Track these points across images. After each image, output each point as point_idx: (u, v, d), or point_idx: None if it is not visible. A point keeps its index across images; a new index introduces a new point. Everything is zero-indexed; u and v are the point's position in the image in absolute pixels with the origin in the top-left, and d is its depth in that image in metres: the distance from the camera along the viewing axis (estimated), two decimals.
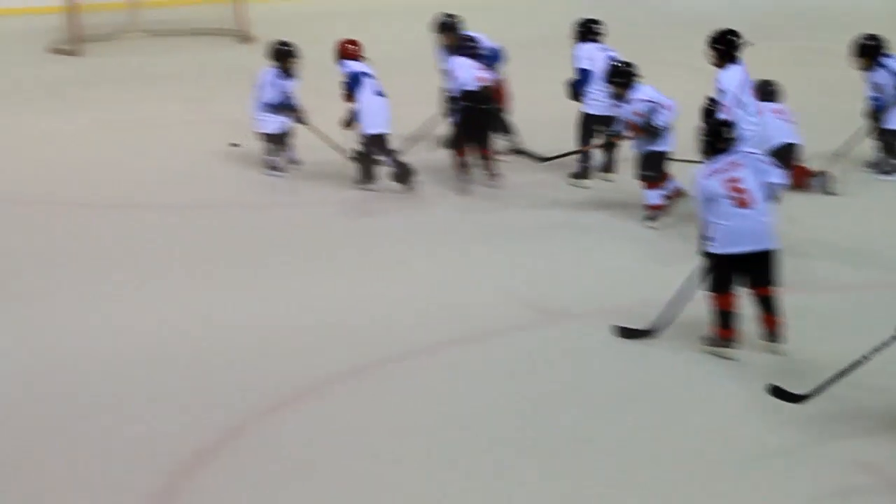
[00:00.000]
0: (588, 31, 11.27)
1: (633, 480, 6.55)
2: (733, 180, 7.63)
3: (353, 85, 10.81)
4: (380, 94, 10.85)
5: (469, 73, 10.93)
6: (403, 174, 10.90)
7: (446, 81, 11.13)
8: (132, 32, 17.76)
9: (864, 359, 6.90)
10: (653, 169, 9.99)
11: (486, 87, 10.97)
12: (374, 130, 10.81)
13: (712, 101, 9.55)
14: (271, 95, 11.18)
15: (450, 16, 11.62)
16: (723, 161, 7.73)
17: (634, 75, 10.07)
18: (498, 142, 11.39)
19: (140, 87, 15.05)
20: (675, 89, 10.43)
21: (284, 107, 11.19)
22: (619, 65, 10.24)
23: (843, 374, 6.95)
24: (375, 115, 10.79)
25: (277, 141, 11.35)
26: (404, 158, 11.02)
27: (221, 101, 13.90)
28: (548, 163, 11.05)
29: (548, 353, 7.99)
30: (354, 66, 10.90)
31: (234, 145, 12.18)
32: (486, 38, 11.51)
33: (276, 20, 17.48)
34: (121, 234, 10.24)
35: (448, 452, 6.85)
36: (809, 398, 6.96)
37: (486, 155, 11.11)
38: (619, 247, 9.73)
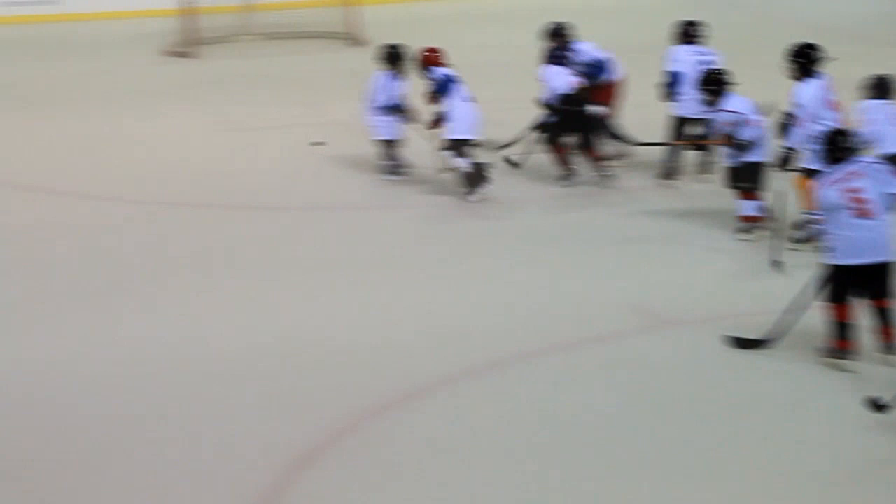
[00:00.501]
0: (685, 33, 11.24)
1: (744, 491, 6.48)
2: (853, 190, 7.50)
3: (442, 89, 10.85)
4: (468, 99, 10.86)
5: (561, 80, 11.03)
6: (477, 179, 10.86)
7: (541, 89, 11.18)
8: (246, 35, 17.96)
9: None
10: (748, 180, 9.84)
11: (582, 90, 11.05)
12: (461, 135, 10.81)
13: (788, 115, 9.44)
14: (383, 99, 11.22)
15: (558, 24, 11.61)
16: (842, 171, 7.60)
17: (726, 83, 9.91)
18: (606, 144, 11.38)
19: (253, 89, 15.20)
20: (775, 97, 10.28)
21: (396, 110, 11.23)
22: (712, 72, 10.13)
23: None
24: (464, 121, 10.80)
25: (392, 145, 11.39)
26: (483, 163, 10.96)
27: (332, 104, 13.99)
28: (641, 147, 11.19)
29: (657, 359, 7.93)
30: (442, 71, 10.93)
31: (318, 144, 12.25)
32: (594, 49, 11.52)
33: (387, 23, 17.56)
34: (233, 236, 10.35)
35: (553, 455, 6.84)
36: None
37: (594, 157, 11.12)
38: (712, 256, 9.62)
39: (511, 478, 6.67)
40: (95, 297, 9.06)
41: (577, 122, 11.06)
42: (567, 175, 11.19)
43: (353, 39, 17.60)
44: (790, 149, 9.57)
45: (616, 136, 11.56)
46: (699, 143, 10.73)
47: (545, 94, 11.11)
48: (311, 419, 7.24)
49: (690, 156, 11.10)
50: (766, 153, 9.76)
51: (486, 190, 10.86)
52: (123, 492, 6.63)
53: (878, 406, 6.95)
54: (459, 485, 6.61)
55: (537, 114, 11.23)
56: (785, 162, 9.60)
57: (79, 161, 12.44)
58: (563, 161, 11.19)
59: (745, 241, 9.74)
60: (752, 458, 6.76)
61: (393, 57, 11.35)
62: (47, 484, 6.69)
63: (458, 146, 10.83)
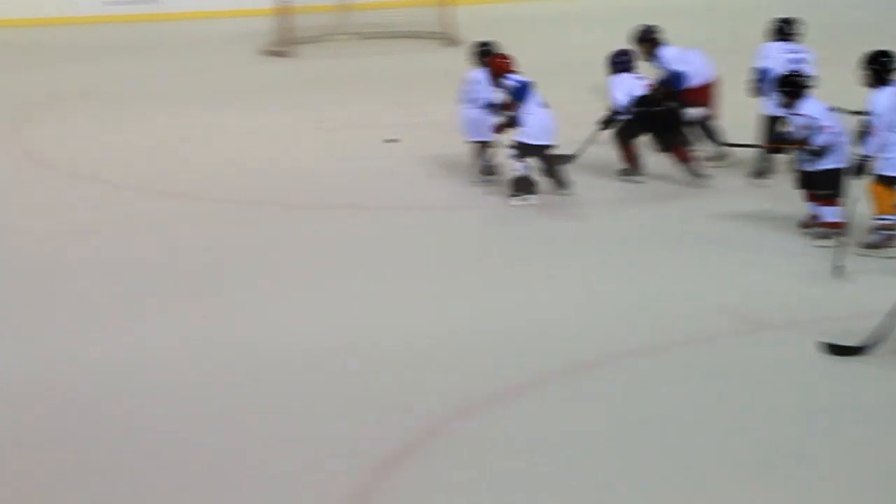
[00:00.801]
0: (779, 30, 11.13)
1: (839, 499, 6.39)
2: None
3: (518, 95, 10.72)
4: (542, 105, 10.76)
5: (629, 86, 11.06)
6: (526, 185, 10.77)
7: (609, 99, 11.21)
8: (341, 35, 18.07)
9: None
10: (827, 186, 9.65)
11: (655, 89, 11.10)
12: (533, 141, 10.72)
13: (864, 122, 9.30)
14: (483, 98, 11.18)
15: (648, 27, 11.55)
16: None
17: (803, 86, 9.72)
18: (704, 145, 11.31)
19: (347, 88, 15.25)
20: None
21: (493, 108, 11.18)
22: (789, 74, 9.98)
23: None
24: (537, 127, 10.71)
25: (485, 147, 11.37)
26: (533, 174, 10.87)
27: (426, 104, 14.00)
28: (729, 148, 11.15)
29: (750, 363, 7.83)
30: (516, 77, 10.80)
31: (391, 141, 12.31)
32: (676, 55, 11.45)
33: (481, 23, 17.55)
34: (322, 235, 10.40)
35: (642, 460, 6.77)
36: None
37: (681, 157, 11.07)
38: (794, 259, 9.44)
39: (599, 482, 6.62)
40: (183, 296, 9.12)
41: (652, 122, 11.04)
42: (630, 172, 11.19)
43: (447, 39, 17.62)
44: (865, 156, 9.39)
45: (712, 137, 11.48)
46: (776, 147, 10.55)
47: (612, 104, 11.13)
48: (397, 421, 7.22)
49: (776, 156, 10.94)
50: (842, 159, 9.54)
51: (531, 199, 10.77)
52: (209, 490, 6.67)
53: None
54: (546, 488, 6.55)
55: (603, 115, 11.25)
56: (860, 170, 9.42)
57: (174, 159, 12.57)
58: (630, 158, 11.19)
59: (824, 247, 9.50)
60: (854, 466, 6.64)
61: (484, 55, 11.34)
62: (137, 481, 6.74)
63: (525, 151, 10.76)
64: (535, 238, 10.20)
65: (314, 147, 12.84)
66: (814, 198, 9.69)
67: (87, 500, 6.62)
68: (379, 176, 11.79)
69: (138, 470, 6.81)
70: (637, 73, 11.24)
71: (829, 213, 9.65)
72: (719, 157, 11.42)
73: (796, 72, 10.05)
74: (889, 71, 9.42)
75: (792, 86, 9.75)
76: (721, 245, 9.81)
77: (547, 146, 10.80)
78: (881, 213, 9.46)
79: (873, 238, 9.37)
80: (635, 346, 8.05)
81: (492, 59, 10.99)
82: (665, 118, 11.06)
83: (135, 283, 9.40)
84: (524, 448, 6.94)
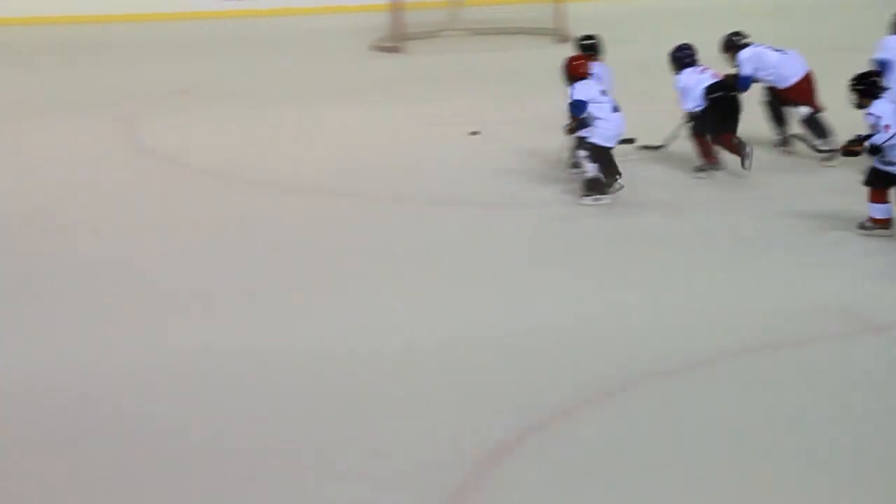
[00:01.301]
0: None
1: None
2: None
3: (575, 111, 10.63)
4: (614, 108, 10.70)
5: (694, 80, 11.09)
6: (598, 186, 10.72)
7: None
8: (453, 31, 18.08)
9: None
10: (877, 183, 9.55)
11: (726, 76, 11.19)
12: (602, 142, 10.68)
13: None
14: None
15: (730, 35, 11.54)
16: None
17: (878, 86, 9.60)
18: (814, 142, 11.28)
19: (458, 84, 15.28)
20: None
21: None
22: (866, 72, 9.86)
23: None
24: (607, 129, 10.65)
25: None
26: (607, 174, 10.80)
27: (536, 100, 13.94)
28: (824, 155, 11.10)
29: (862, 366, 7.70)
30: (579, 92, 10.64)
31: (474, 133, 12.30)
32: (792, 54, 11.48)
33: (593, 20, 17.39)
34: (427, 231, 10.46)
35: (736, 463, 6.71)
36: None
37: (729, 144, 11.12)
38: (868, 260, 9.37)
39: (703, 484, 6.56)
40: (296, 289, 9.20)
41: (725, 109, 11.11)
42: (707, 167, 11.19)
43: (559, 36, 17.54)
44: None
45: (822, 133, 11.29)
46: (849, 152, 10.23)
47: (684, 104, 11.15)
48: (501, 416, 7.23)
49: None
50: None
51: (603, 199, 10.69)
52: (315, 479, 6.72)
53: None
54: (650, 488, 6.52)
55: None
56: None
57: (285, 154, 12.65)
58: (707, 153, 11.20)
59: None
60: None
61: (587, 48, 11.29)
62: (256, 466, 6.82)
63: (595, 151, 10.71)
64: (626, 237, 10.12)
65: (421, 143, 12.84)
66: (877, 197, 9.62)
67: (207, 486, 6.70)
68: (485, 172, 11.75)
69: (247, 460, 6.89)
70: (700, 66, 11.21)
71: (878, 211, 9.62)
72: (829, 155, 11.21)
73: (873, 70, 9.94)
74: None
75: (863, 83, 9.65)
76: (805, 242, 9.72)
77: (609, 148, 10.78)
78: None
79: None
80: (740, 347, 7.96)
81: (567, 61, 10.89)
82: (731, 107, 11.10)
83: (246, 277, 9.47)
84: (624, 448, 6.90)
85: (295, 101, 14.81)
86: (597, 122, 10.65)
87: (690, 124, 11.21)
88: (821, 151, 11.27)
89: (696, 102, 11.07)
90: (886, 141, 9.32)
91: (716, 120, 11.12)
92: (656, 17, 18.28)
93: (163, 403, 7.53)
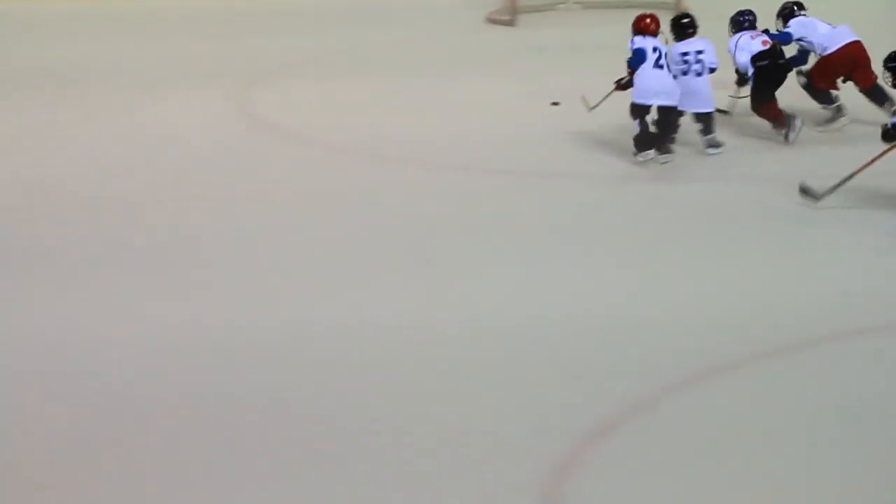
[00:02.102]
0: None
1: None
2: None
3: (634, 60, 11.02)
4: (660, 66, 10.98)
5: (747, 45, 11.36)
6: (646, 142, 11.02)
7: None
8: (567, 4, 17.94)
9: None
10: None
11: (773, 45, 11.42)
12: (642, 101, 10.99)
13: None
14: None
15: (795, 3, 11.68)
16: None
17: None
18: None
19: (570, 58, 15.20)
20: None
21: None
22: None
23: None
24: (648, 87, 10.96)
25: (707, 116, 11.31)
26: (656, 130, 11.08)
27: None
28: None
29: None
30: (642, 38, 11.04)
31: (555, 104, 12.33)
32: (844, 28, 11.53)
33: None
34: (531, 205, 10.39)
35: (858, 448, 6.59)
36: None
37: (774, 112, 11.36)
38: None
39: (809, 467, 6.49)
40: (409, 265, 9.21)
41: (770, 78, 11.34)
42: (780, 126, 11.31)
43: (676, 10, 17.31)
44: None
45: (880, 101, 11.31)
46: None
47: (737, 66, 11.47)
48: (605, 393, 7.18)
49: None
50: None
51: (651, 154, 10.94)
52: (415, 451, 6.73)
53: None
54: (757, 469, 6.45)
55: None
56: None
57: (396, 127, 12.65)
58: (773, 115, 11.32)
59: None
60: None
61: (682, 27, 11.33)
62: (364, 443, 6.83)
63: (638, 110, 10.97)
64: (717, 216, 10.02)
65: (531, 117, 12.77)
66: None
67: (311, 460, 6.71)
68: (590, 146, 11.66)
69: (356, 437, 6.90)
70: (755, 31, 11.51)
71: None
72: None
73: None
74: None
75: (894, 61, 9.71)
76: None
77: (662, 106, 11.01)
78: None
79: None
80: (856, 327, 7.86)
81: (637, 18, 11.23)
82: (780, 73, 11.35)
83: (347, 252, 9.48)
84: (729, 427, 6.83)
85: (408, 73, 14.80)
86: (636, 81, 10.95)
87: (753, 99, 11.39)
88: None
89: (746, 62, 11.31)
90: None
91: (761, 89, 11.32)
92: None
93: (274, 377, 7.54)
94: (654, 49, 11.01)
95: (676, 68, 11.25)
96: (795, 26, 11.55)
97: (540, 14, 17.51)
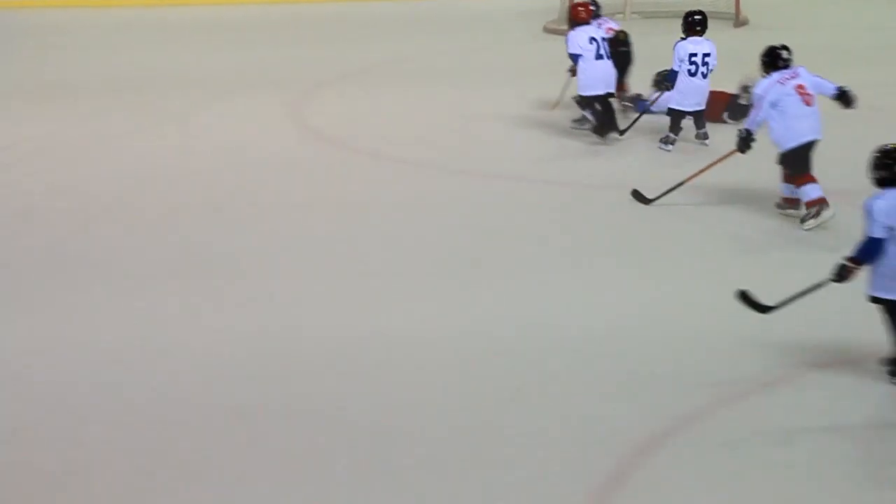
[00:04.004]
0: None
1: None
2: None
3: (574, 61, 11.77)
4: (603, 57, 11.71)
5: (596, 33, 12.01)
6: (604, 128, 11.83)
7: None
8: (624, 14, 17.90)
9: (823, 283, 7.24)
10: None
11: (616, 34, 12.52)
12: (588, 92, 11.77)
13: None
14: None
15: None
16: None
17: None
18: None
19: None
20: None
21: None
22: None
23: (805, 293, 7.36)
24: (593, 78, 11.67)
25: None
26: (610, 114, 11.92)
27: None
28: None
29: None
30: (583, 28, 11.75)
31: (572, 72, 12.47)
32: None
33: (768, 4, 17.19)
34: (592, 216, 10.33)
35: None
36: (774, 309, 7.44)
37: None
38: None
39: (853, 476, 6.45)
40: (461, 271, 9.19)
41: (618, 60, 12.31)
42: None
43: (737, 20, 17.25)
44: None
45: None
46: None
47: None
48: (658, 404, 7.14)
49: None
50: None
51: (615, 136, 11.75)
52: (472, 465, 6.68)
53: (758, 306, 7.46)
54: (807, 481, 6.38)
55: None
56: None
57: (452, 136, 12.69)
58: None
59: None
60: None
61: (693, 24, 11.76)
62: (422, 450, 6.82)
63: (586, 101, 11.77)
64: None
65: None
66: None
67: (366, 468, 6.69)
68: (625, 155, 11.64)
69: (411, 446, 6.86)
70: (601, 18, 12.66)
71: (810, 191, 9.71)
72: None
73: None
74: None
75: None
76: None
77: (605, 95, 11.79)
78: None
79: None
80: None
81: (572, 7, 12.00)
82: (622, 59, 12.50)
83: (411, 258, 9.49)
84: (782, 439, 6.77)
85: (464, 83, 14.81)
86: (579, 73, 11.65)
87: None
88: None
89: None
90: None
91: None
92: (826, 3, 17.86)
93: (325, 385, 7.53)
94: (592, 40, 11.67)
95: (685, 68, 11.57)
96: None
97: None
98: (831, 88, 9.80)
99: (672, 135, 11.87)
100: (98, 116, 13.75)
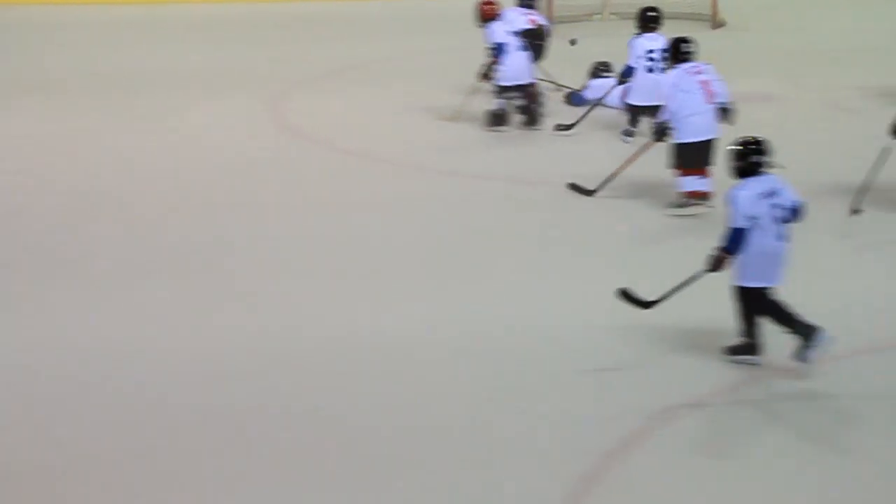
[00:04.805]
0: None
1: None
2: None
3: (498, 52, 12.16)
4: (518, 49, 12.20)
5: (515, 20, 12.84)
6: (500, 120, 12.41)
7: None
8: (602, 14, 17.98)
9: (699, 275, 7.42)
10: None
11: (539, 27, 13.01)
12: (507, 83, 12.24)
13: None
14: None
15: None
16: None
17: None
18: None
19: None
20: None
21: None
22: None
23: (683, 286, 7.53)
24: (512, 69, 12.18)
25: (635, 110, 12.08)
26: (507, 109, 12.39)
27: None
28: None
29: None
30: (496, 24, 12.30)
31: (573, 42, 13.29)
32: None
33: (746, 5, 17.31)
34: (562, 217, 10.42)
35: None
36: (656, 304, 7.62)
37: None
38: None
39: (827, 480, 6.52)
40: (436, 271, 9.28)
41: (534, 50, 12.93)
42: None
43: (714, 22, 17.37)
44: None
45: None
46: None
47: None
48: (633, 404, 7.24)
49: None
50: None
51: (505, 130, 12.24)
52: (440, 463, 6.78)
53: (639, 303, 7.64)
54: (778, 479, 6.48)
55: None
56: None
57: (426, 136, 12.76)
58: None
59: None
60: None
61: (648, 20, 12.05)
62: (397, 450, 6.90)
63: (504, 91, 12.26)
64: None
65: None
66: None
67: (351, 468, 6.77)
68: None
69: (387, 444, 6.96)
70: (524, 8, 13.32)
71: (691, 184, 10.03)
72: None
73: None
74: None
75: None
76: None
77: (523, 85, 12.29)
78: None
79: None
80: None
81: (481, 5, 12.47)
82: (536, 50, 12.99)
83: (391, 258, 9.56)
84: (753, 439, 6.89)
85: (442, 82, 14.79)
86: (501, 65, 12.10)
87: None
88: None
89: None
90: None
91: None
92: (804, 5, 17.99)
93: (302, 384, 7.61)
94: (508, 34, 12.24)
95: (644, 64, 11.76)
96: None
97: (575, 24, 17.53)
98: (722, 97, 10.07)
99: (631, 128, 12.09)
100: (82, 114, 13.78)
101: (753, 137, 7.61)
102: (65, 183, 11.48)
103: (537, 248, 9.65)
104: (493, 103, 12.52)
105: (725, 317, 7.67)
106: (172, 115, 13.72)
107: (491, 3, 12.57)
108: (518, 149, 12.17)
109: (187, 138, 12.91)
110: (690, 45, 10.15)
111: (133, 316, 8.54)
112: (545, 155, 11.99)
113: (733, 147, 7.62)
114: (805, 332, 7.35)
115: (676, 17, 17.75)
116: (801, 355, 7.37)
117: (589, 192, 10.50)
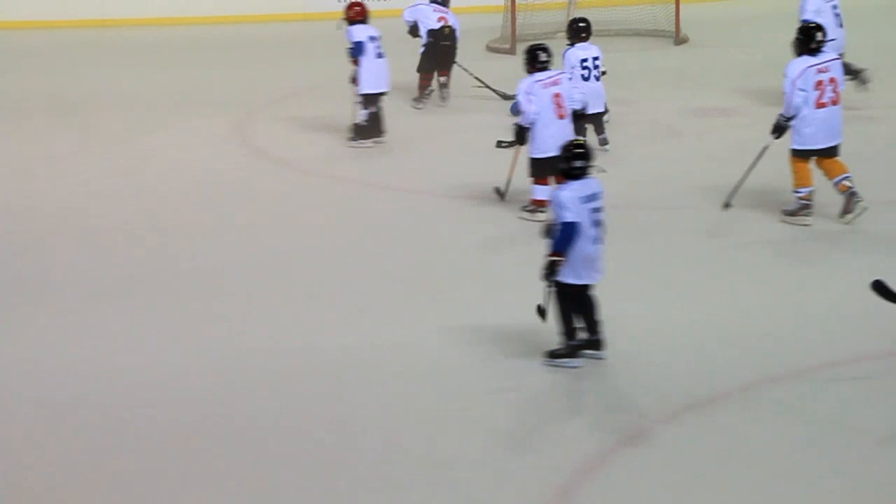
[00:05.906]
0: None
1: None
2: None
3: (357, 47, 12.27)
4: (380, 56, 12.30)
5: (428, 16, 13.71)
6: (369, 131, 12.46)
7: None
8: (563, 32, 17.99)
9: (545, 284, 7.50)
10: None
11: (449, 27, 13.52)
12: (368, 90, 12.30)
13: None
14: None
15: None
16: None
17: None
18: None
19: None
20: None
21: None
22: None
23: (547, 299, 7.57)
24: (373, 76, 12.26)
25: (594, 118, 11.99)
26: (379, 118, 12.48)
27: (649, 101, 13.88)
28: None
29: None
30: (360, 29, 12.36)
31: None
32: None
33: (708, 22, 17.38)
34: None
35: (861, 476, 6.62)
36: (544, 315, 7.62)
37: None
38: None
39: (803, 493, 6.50)
40: (397, 287, 9.31)
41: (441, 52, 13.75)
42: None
43: (677, 38, 17.42)
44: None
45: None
46: None
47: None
48: (603, 422, 7.25)
49: None
50: None
51: (365, 144, 12.36)
52: (410, 482, 6.77)
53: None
54: (755, 494, 6.47)
55: None
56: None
57: (391, 156, 12.72)
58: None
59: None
60: None
61: (576, 31, 12.22)
62: (373, 465, 6.91)
63: (366, 100, 12.27)
64: (752, 243, 10.01)
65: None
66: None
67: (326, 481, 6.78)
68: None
69: (360, 458, 6.96)
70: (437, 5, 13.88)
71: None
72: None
73: None
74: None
75: None
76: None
77: (381, 93, 12.40)
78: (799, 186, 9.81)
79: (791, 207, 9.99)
80: (858, 355, 7.88)
81: (348, 7, 12.58)
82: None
83: (359, 274, 9.58)
84: (729, 453, 6.88)
85: (407, 102, 14.82)
86: (361, 73, 12.19)
87: None
88: None
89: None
90: None
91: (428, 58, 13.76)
92: (768, 20, 18.06)
93: (271, 402, 7.63)
94: (372, 38, 12.35)
95: (579, 73, 11.80)
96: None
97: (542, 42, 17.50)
98: (575, 103, 10.39)
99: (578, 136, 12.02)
100: (42, 137, 13.69)
101: (578, 141, 7.86)
102: (28, 206, 11.39)
103: (487, 266, 9.70)
104: (359, 115, 12.54)
105: (711, 319, 7.75)
106: (137, 137, 13.65)
107: (359, 5, 12.69)
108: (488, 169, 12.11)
109: (152, 160, 12.87)
110: (546, 54, 10.38)
111: (99, 338, 8.50)
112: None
113: (560, 150, 7.81)
114: (594, 341, 7.63)
115: (640, 34, 17.91)
116: (556, 356, 7.63)
117: (502, 196, 10.68)
